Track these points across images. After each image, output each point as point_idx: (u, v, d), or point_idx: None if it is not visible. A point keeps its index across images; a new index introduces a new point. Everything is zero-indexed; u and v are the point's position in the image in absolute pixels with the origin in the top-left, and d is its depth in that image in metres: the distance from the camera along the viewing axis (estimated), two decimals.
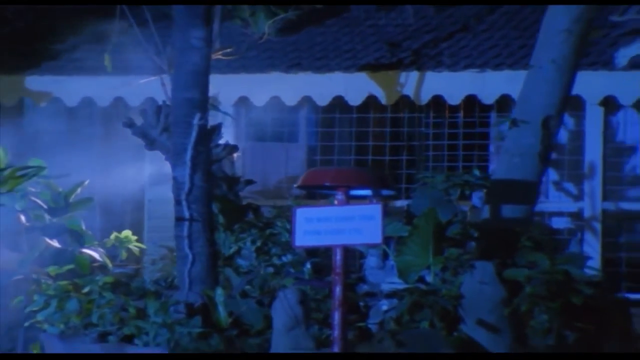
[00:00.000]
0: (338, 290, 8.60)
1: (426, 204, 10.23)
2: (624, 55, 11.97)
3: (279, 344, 9.15)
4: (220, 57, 13.03)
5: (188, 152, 10.19)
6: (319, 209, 8.79)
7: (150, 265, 11.81)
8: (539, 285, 9.11)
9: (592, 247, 13.76)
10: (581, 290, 9.20)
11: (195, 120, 10.20)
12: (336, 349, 8.50)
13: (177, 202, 10.26)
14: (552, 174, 14.38)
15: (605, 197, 13.80)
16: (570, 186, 14.17)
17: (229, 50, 13.04)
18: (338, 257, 8.60)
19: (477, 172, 10.50)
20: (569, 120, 14.06)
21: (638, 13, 11.53)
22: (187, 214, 10.19)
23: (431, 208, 10.02)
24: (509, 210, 10.10)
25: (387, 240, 10.24)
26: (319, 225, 8.55)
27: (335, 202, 8.69)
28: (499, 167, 10.46)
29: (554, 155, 14.31)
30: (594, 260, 13.65)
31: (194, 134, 10.20)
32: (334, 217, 8.49)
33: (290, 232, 8.96)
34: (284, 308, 9.17)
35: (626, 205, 13.78)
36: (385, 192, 9.11)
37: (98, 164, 13.01)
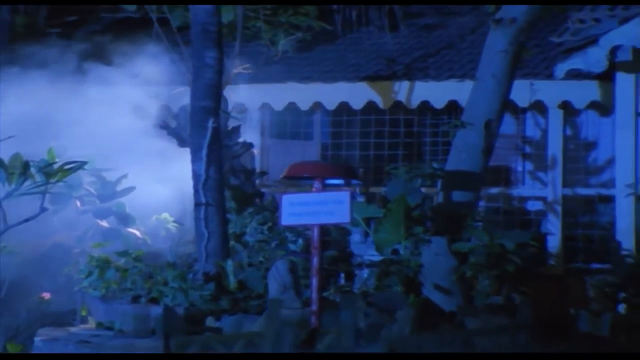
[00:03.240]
0: (315, 261, 8.84)
1: (398, 191, 10.29)
2: (561, 69, 11.98)
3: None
4: (242, 71, 13.34)
5: (204, 149, 10.24)
6: (300, 195, 9.04)
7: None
8: (480, 256, 9.23)
9: (554, 226, 13.94)
10: (514, 260, 9.30)
11: (209, 124, 10.27)
12: (314, 307, 8.81)
13: (195, 191, 10.29)
14: (528, 165, 14.57)
15: (564, 184, 14.00)
16: (542, 175, 14.35)
17: (247, 66, 13.28)
18: (315, 234, 8.88)
19: (435, 165, 10.60)
20: (540, 120, 14.28)
21: (572, 35, 11.58)
22: (203, 200, 10.23)
23: (402, 194, 10.10)
24: (458, 196, 10.17)
25: (368, 220, 10.44)
26: (300, 208, 8.82)
27: (313, 189, 8.90)
28: (450, 161, 10.50)
29: (528, 149, 14.63)
30: (556, 237, 13.93)
31: (208, 135, 10.25)
32: (312, 202, 8.78)
33: None
34: (276, 276, 9.24)
35: (582, 191, 13.86)
36: (354, 181, 9.36)
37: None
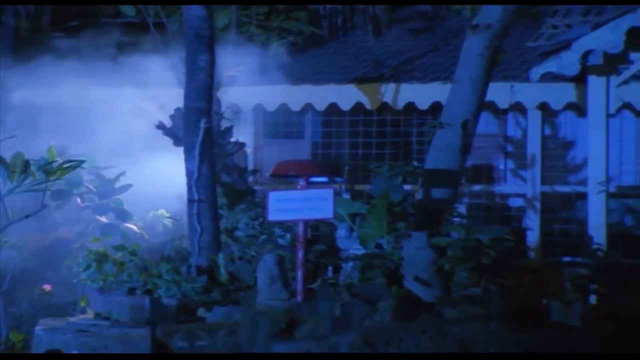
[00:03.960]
0: (300, 254, 9.04)
1: (381, 188, 10.37)
2: (536, 72, 12.09)
3: (261, 295, 9.25)
4: (236, 73, 13.47)
5: (196, 148, 10.30)
6: (286, 192, 9.22)
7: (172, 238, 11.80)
8: (457, 250, 9.33)
9: (533, 221, 14.10)
10: (489, 254, 9.40)
11: (202, 124, 10.33)
12: (299, 298, 8.98)
13: (189, 188, 10.33)
14: (509, 163, 14.72)
15: (543, 182, 14.14)
16: (522, 173, 14.50)
17: (241, 68, 13.40)
18: (300, 229, 9.06)
19: (415, 163, 10.71)
20: (521, 120, 14.43)
21: (547, 40, 11.72)
22: (196, 197, 10.29)
23: (384, 191, 10.18)
24: (437, 193, 10.24)
25: (353, 216, 10.54)
26: (286, 205, 9.00)
27: (298, 186, 9.08)
28: (428, 160, 10.57)
29: (509, 148, 14.79)
30: (535, 232, 14.09)
31: (200, 134, 10.30)
32: (297, 198, 8.96)
33: None
34: (264, 269, 9.37)
35: (560, 188, 14.01)
36: (338, 179, 9.53)
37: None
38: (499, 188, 14.57)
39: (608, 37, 11.45)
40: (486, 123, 14.78)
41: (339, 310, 6.01)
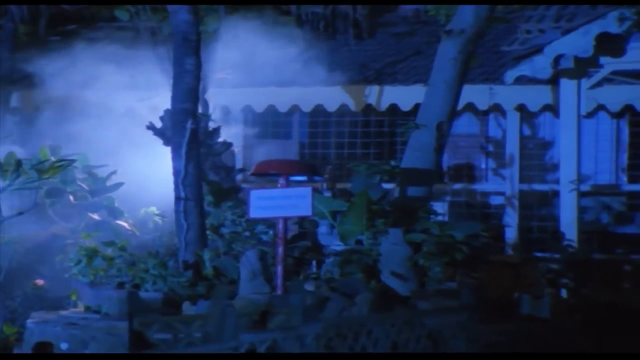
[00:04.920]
0: (280, 250, 9.05)
1: (361, 186, 10.42)
2: (510, 75, 12.19)
3: (244, 289, 9.25)
4: (225, 76, 13.55)
5: (183, 148, 10.31)
6: (267, 190, 9.27)
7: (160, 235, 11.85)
8: (431, 246, 9.39)
9: (512, 218, 14.21)
10: (462, 249, 9.49)
11: (188, 125, 10.35)
12: (279, 291, 9.03)
13: (176, 186, 10.36)
14: (491, 162, 14.84)
15: (521, 180, 14.24)
16: (503, 171, 14.60)
17: (230, 70, 13.48)
18: (280, 226, 9.10)
19: (392, 163, 10.75)
20: (501, 121, 14.54)
21: (520, 44, 11.81)
22: (183, 194, 10.31)
23: (364, 189, 10.24)
24: (412, 191, 10.31)
25: (334, 213, 10.67)
26: (267, 202, 9.00)
27: (279, 185, 9.12)
28: (405, 160, 10.62)
29: (490, 148, 14.91)
30: (513, 228, 14.19)
31: (187, 134, 10.32)
32: (277, 197, 8.98)
33: None
34: (247, 264, 9.33)
35: (537, 186, 14.10)
36: (317, 178, 9.60)
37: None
38: (480, 186, 14.68)
39: (578, 42, 11.54)
40: (468, 124, 14.93)
41: (310, 302, 6.09)
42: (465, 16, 10.16)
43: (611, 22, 11.27)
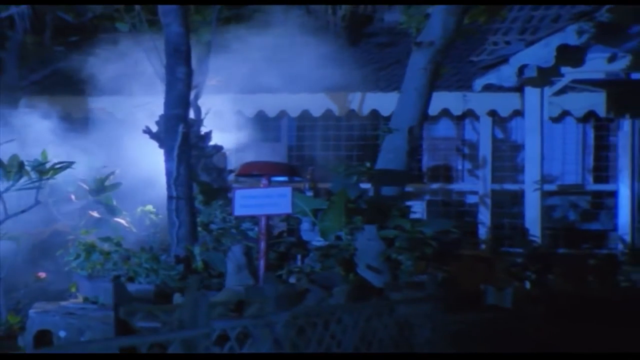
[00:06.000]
0: (262, 245, 9.24)
1: (340, 186, 10.56)
2: (479, 83, 12.36)
3: (230, 281, 9.46)
4: (216, 83, 13.70)
5: (175, 150, 10.46)
6: (250, 190, 9.43)
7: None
8: (403, 241, 9.55)
9: (485, 216, 14.41)
10: (431, 245, 9.66)
11: (180, 129, 10.50)
12: (261, 284, 9.16)
13: (168, 186, 10.51)
14: (467, 164, 15.01)
15: (493, 181, 14.44)
16: (477, 172, 14.77)
17: (221, 78, 13.63)
18: (262, 223, 9.29)
19: (367, 164, 10.85)
20: (477, 125, 14.71)
21: (488, 55, 11.99)
22: (174, 194, 10.45)
23: (342, 189, 10.38)
24: (386, 190, 10.45)
25: (315, 211, 10.83)
26: (250, 201, 9.17)
27: (261, 185, 9.33)
28: (379, 161, 10.74)
29: (467, 150, 15.07)
30: (486, 225, 14.38)
31: (178, 138, 10.47)
32: (260, 195, 9.15)
33: None
34: (232, 258, 9.53)
35: (508, 186, 14.28)
36: (296, 178, 9.77)
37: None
38: (456, 186, 14.87)
39: (541, 53, 11.71)
40: (446, 128, 15.12)
41: (283, 292, 6.26)
42: (434, 29, 10.33)
43: (570, 35, 11.47)
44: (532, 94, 12.12)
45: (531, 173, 12.33)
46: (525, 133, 12.52)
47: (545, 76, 11.93)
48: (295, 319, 5.90)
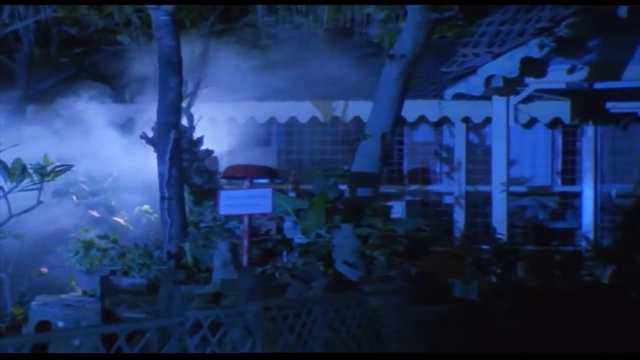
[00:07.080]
0: (245, 242, 9.41)
1: (320, 188, 10.54)
2: (449, 92, 12.47)
3: (217, 276, 9.54)
4: (209, 92, 13.88)
5: (167, 154, 10.73)
6: (234, 191, 9.64)
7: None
8: (376, 239, 9.66)
9: (459, 215, 14.58)
10: (402, 242, 9.79)
11: (172, 135, 10.74)
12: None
13: (160, 187, 10.74)
14: (444, 167, 15.17)
15: (467, 182, 14.62)
16: (453, 174, 14.94)
17: (212, 87, 13.80)
18: (245, 221, 9.48)
19: (344, 167, 11.03)
20: (453, 131, 14.87)
21: (458, 66, 12.13)
22: (166, 194, 10.70)
23: (322, 190, 10.43)
24: (361, 192, 10.56)
25: (297, 210, 10.99)
26: (234, 201, 9.32)
27: (244, 186, 9.54)
28: (354, 165, 10.82)
29: (444, 154, 15.24)
30: (460, 224, 14.54)
31: (170, 143, 10.72)
32: (242, 196, 9.30)
33: None
34: (218, 255, 9.63)
35: (480, 188, 14.41)
36: (277, 180, 9.92)
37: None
38: (434, 187, 15.03)
39: (506, 64, 11.86)
40: (425, 133, 15.29)
41: (255, 285, 6.41)
42: (405, 43, 10.48)
43: (533, 48, 11.63)
44: (499, 102, 12.27)
45: (498, 175, 12.47)
46: (492, 138, 12.66)
47: (510, 86, 12.08)
48: (266, 310, 6.06)
